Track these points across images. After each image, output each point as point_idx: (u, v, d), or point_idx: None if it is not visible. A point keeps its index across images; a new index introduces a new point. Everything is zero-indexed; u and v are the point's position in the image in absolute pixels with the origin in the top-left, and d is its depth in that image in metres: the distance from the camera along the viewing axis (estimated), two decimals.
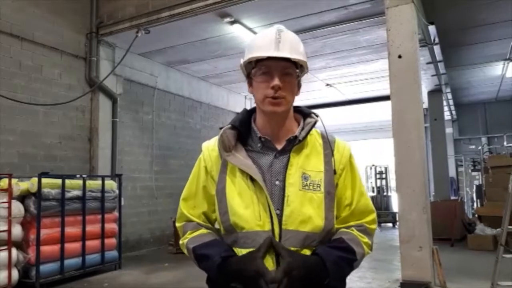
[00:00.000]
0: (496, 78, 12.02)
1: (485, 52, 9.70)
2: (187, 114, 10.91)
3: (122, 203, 7.43)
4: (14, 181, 5.65)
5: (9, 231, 5.40)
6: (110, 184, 7.18)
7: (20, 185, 5.74)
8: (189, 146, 10.68)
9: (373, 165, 15.56)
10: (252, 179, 1.34)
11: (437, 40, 7.97)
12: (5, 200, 5.45)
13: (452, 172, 14.38)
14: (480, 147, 13.02)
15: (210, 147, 1.48)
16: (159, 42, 8.46)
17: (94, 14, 8.20)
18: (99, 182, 6.92)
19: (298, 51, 1.38)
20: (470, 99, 14.78)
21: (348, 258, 1.32)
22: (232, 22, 7.40)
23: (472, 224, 9.16)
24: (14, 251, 5.49)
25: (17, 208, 5.61)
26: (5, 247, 5.36)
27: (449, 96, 12.61)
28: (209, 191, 1.44)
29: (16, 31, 6.92)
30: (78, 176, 6.69)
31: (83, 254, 6.35)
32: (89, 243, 6.45)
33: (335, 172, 1.39)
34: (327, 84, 12.03)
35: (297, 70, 1.39)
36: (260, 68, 1.37)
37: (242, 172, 1.35)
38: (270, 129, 1.41)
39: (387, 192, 14.97)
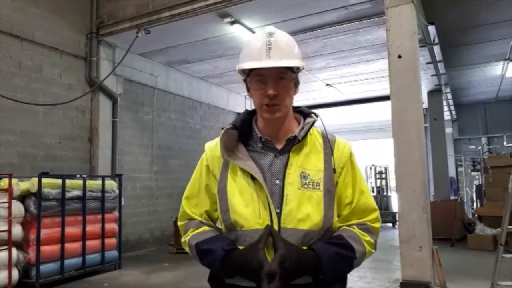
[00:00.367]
0: (496, 78, 12.02)
1: (485, 52, 9.70)
2: (187, 114, 10.91)
3: (122, 203, 7.44)
4: (14, 181, 5.65)
5: (9, 231, 5.40)
6: (110, 184, 7.18)
7: (20, 185, 5.74)
8: (189, 146, 10.69)
9: (373, 165, 15.56)
10: (252, 178, 1.35)
11: (437, 40, 7.97)
12: (5, 200, 5.45)
13: (452, 172, 14.39)
14: (480, 147, 13.01)
15: (213, 147, 1.50)
16: (160, 42, 8.46)
17: (94, 14, 8.20)
18: (99, 182, 6.92)
19: (291, 54, 1.38)
20: (470, 99, 14.78)
21: (345, 255, 1.31)
22: (233, 22, 7.40)
23: (472, 224, 9.16)
24: (14, 251, 5.49)
25: (17, 208, 5.61)
26: (5, 247, 5.36)
27: (449, 96, 12.61)
28: (211, 190, 1.45)
29: (16, 31, 6.92)
30: (78, 176, 6.69)
31: (83, 254, 6.35)
32: (89, 243, 6.45)
33: (334, 171, 1.40)
34: (327, 84, 12.03)
35: (292, 73, 1.39)
36: (254, 77, 1.38)
37: (243, 171, 1.37)
38: (270, 130, 1.43)
39: (387, 192, 14.97)
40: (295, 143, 1.40)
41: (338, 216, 1.41)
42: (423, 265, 4.92)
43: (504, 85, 12.71)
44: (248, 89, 1.45)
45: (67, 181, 6.23)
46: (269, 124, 1.42)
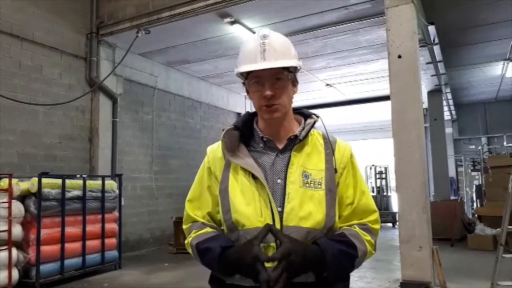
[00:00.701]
0: (496, 78, 12.02)
1: (485, 52, 9.70)
2: (187, 114, 10.91)
3: (122, 203, 7.44)
4: (14, 181, 5.65)
5: (9, 231, 5.40)
6: (110, 184, 7.18)
7: (20, 185, 5.74)
8: (189, 146, 10.69)
9: (373, 165, 15.56)
10: (254, 177, 1.36)
11: (437, 40, 7.97)
12: (5, 200, 5.45)
13: (452, 172, 14.38)
14: (480, 147, 13.01)
15: (214, 149, 1.51)
16: (160, 42, 8.46)
17: (94, 14, 8.20)
18: (99, 182, 6.92)
19: (286, 55, 1.39)
20: (470, 99, 14.78)
21: (349, 253, 1.31)
22: (233, 22, 7.40)
23: (472, 224, 9.16)
24: (14, 251, 5.49)
25: (17, 208, 5.61)
26: (5, 247, 5.36)
27: (449, 96, 12.61)
28: (213, 192, 1.46)
29: (16, 31, 6.92)
30: (78, 176, 6.69)
31: (83, 254, 6.35)
32: (89, 243, 6.45)
33: (336, 171, 1.41)
34: (327, 84, 12.03)
35: (289, 73, 1.40)
36: (251, 79, 1.40)
37: (245, 170, 1.38)
38: (271, 130, 1.44)
39: (387, 192, 14.97)
40: (296, 142, 1.41)
41: (339, 217, 1.41)
42: (423, 265, 4.92)
43: (504, 85, 12.71)
44: (247, 92, 1.46)
45: (67, 181, 6.23)
46: (270, 125, 1.43)
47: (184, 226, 1.51)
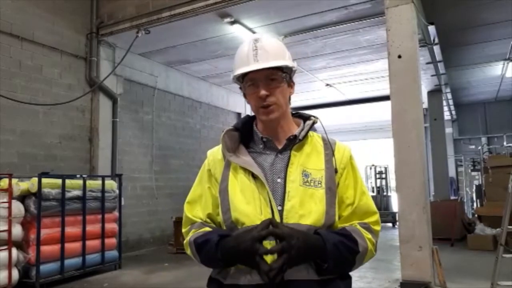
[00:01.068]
0: (496, 78, 12.03)
1: (485, 52, 9.70)
2: (187, 114, 10.91)
3: (122, 203, 7.44)
4: (14, 181, 5.65)
5: (9, 231, 5.40)
6: (110, 184, 7.18)
7: (20, 185, 5.74)
8: (189, 146, 10.69)
9: (373, 165, 15.56)
10: (254, 177, 1.37)
11: (437, 40, 7.97)
12: (5, 200, 5.45)
13: (452, 172, 14.39)
14: (480, 147, 13.02)
15: (214, 151, 1.53)
16: (159, 42, 8.46)
17: (94, 14, 8.20)
18: (99, 182, 6.92)
19: (278, 56, 1.41)
20: (470, 99, 14.78)
21: (349, 246, 1.31)
22: (232, 22, 7.40)
23: (472, 224, 9.16)
24: (14, 251, 5.49)
25: (17, 208, 5.61)
26: (5, 247, 5.36)
27: (449, 96, 12.61)
28: (213, 193, 1.46)
29: (16, 31, 6.92)
30: (78, 176, 6.69)
31: (83, 254, 6.35)
32: (89, 243, 6.45)
33: (336, 171, 1.42)
34: (327, 84, 12.03)
35: (283, 73, 1.42)
36: (247, 82, 1.42)
37: (244, 170, 1.39)
38: (270, 132, 1.45)
39: (387, 192, 14.97)
40: (295, 142, 1.42)
41: (339, 217, 1.41)
42: (423, 265, 4.92)
43: (504, 85, 12.72)
44: (245, 96, 1.48)
45: (67, 181, 6.23)
46: (268, 126, 1.45)
47: (183, 229, 1.50)
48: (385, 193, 14.85)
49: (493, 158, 9.98)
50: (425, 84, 10.84)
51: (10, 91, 6.72)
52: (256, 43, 1.41)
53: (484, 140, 15.00)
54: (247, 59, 1.40)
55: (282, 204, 1.33)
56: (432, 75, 10.19)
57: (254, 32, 7.84)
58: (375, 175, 15.35)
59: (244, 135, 1.47)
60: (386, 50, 5.43)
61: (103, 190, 6.80)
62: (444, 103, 12.53)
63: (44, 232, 5.77)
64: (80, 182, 6.48)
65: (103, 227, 6.74)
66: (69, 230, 6.16)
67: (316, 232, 1.30)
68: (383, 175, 15.21)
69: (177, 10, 7.24)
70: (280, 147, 1.43)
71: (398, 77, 5.26)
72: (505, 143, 13.02)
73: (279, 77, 1.40)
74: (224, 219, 1.38)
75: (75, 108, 7.86)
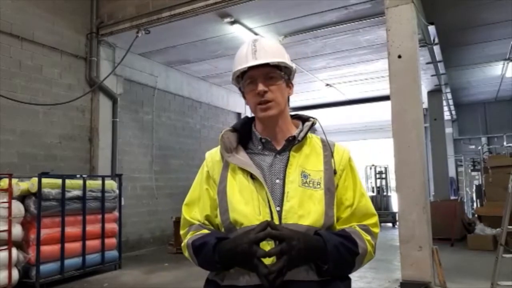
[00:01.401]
0: (496, 78, 12.03)
1: (485, 52, 9.70)
2: (187, 114, 10.91)
3: (122, 203, 7.43)
4: (14, 181, 5.65)
5: (9, 231, 5.40)
6: (110, 184, 7.18)
7: (20, 185, 5.74)
8: (189, 146, 10.69)
9: (373, 165, 15.56)
10: (252, 177, 1.36)
11: (437, 40, 7.97)
12: (5, 200, 5.45)
13: (452, 172, 14.39)
14: (480, 147, 13.02)
15: (213, 153, 1.53)
16: (159, 42, 8.46)
17: (94, 14, 8.20)
18: (99, 182, 6.92)
19: (277, 55, 1.43)
20: (470, 99, 14.78)
21: (349, 248, 1.31)
22: (233, 22, 7.40)
23: (472, 224, 9.16)
24: (14, 251, 5.49)
25: (17, 208, 5.61)
26: (5, 247, 5.36)
27: (449, 96, 12.61)
28: (211, 195, 1.45)
29: (16, 31, 6.92)
30: (78, 176, 6.69)
31: (83, 254, 6.35)
32: (89, 243, 6.45)
33: (335, 172, 1.41)
34: (327, 84, 12.03)
35: (282, 72, 1.43)
36: (246, 80, 1.44)
37: (243, 171, 1.39)
38: (268, 132, 1.45)
39: (387, 192, 14.95)
40: (294, 143, 1.42)
41: (338, 219, 1.41)
42: (423, 265, 4.92)
43: (504, 85, 12.72)
44: (244, 97, 1.49)
45: (67, 181, 6.23)
46: (267, 126, 1.45)
47: (181, 231, 1.49)
48: (385, 193, 14.84)
49: (493, 158, 9.98)
50: (425, 84, 10.84)
51: (10, 91, 6.72)
52: (255, 43, 1.43)
53: (484, 140, 15.00)
54: (246, 58, 1.42)
55: (280, 204, 1.33)
56: (432, 75, 10.19)
57: (254, 32, 7.84)
58: (375, 175, 15.34)
59: (242, 136, 1.47)
60: (386, 50, 5.43)
61: (103, 190, 6.80)
62: (444, 103, 12.53)
63: (44, 232, 5.77)
64: (80, 182, 6.48)
65: (103, 227, 6.74)
66: (69, 230, 6.16)
67: (316, 233, 1.30)
68: (383, 175, 15.20)
69: (177, 10, 7.23)
70: (279, 148, 1.43)
71: (398, 77, 5.26)
72: (505, 143, 13.02)
73: (278, 75, 1.42)
74: (223, 220, 1.38)
75: (75, 108, 7.86)
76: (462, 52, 9.73)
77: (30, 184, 5.80)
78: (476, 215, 9.99)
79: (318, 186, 1.37)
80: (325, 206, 1.35)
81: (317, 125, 1.52)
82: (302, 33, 8.00)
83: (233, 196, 1.36)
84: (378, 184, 15.12)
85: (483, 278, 5.20)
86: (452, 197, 12.48)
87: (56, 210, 6.01)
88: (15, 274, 5.49)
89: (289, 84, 1.47)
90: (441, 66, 9.59)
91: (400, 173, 5.17)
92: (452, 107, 14.08)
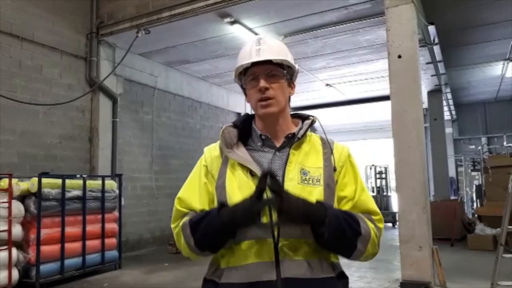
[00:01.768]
0: (496, 78, 12.03)
1: (485, 52, 9.70)
2: (187, 114, 10.91)
3: (122, 203, 7.43)
4: (14, 181, 5.64)
5: (9, 231, 5.40)
6: (110, 184, 7.18)
7: (20, 185, 5.74)
8: (189, 146, 10.69)
9: (373, 165, 15.56)
10: (252, 174, 1.37)
11: (437, 40, 7.97)
12: (5, 200, 5.45)
13: (452, 172, 14.39)
14: (480, 147, 13.02)
15: (211, 148, 1.53)
16: (159, 42, 8.46)
17: (94, 14, 8.20)
18: (99, 182, 6.92)
19: (280, 53, 1.44)
20: (470, 99, 14.79)
21: (351, 224, 1.30)
22: (233, 22, 7.40)
23: (472, 224, 9.16)
24: (14, 251, 5.49)
25: (17, 208, 5.61)
26: (5, 247, 5.36)
27: (449, 96, 12.62)
28: (210, 189, 1.45)
29: (16, 31, 6.92)
30: (78, 176, 6.69)
31: (83, 254, 6.34)
32: (89, 243, 6.45)
33: (335, 169, 1.42)
34: (327, 84, 12.03)
35: (284, 71, 1.44)
36: (248, 76, 1.44)
37: (242, 167, 1.39)
38: (268, 130, 1.46)
39: (387, 192, 14.96)
40: (294, 141, 1.42)
41: None
42: (423, 265, 4.92)
43: (504, 85, 12.72)
44: (245, 94, 1.49)
45: (67, 181, 6.22)
46: (267, 123, 1.45)
47: (172, 225, 1.44)
48: (385, 193, 14.85)
49: (493, 158, 9.98)
50: (425, 84, 10.85)
51: (10, 91, 6.72)
52: (259, 41, 1.44)
53: (484, 140, 15.00)
54: (250, 55, 1.42)
55: None
56: (432, 75, 10.19)
57: (254, 32, 7.84)
58: (375, 175, 15.34)
59: (243, 132, 1.47)
60: (386, 50, 5.43)
61: (103, 190, 6.80)
62: (444, 103, 12.53)
63: (44, 232, 5.77)
64: (80, 182, 6.48)
65: (103, 227, 6.74)
66: (69, 230, 6.16)
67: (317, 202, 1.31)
68: (383, 175, 15.21)
69: (177, 10, 7.23)
70: (278, 145, 1.44)
71: (398, 77, 5.26)
72: (505, 143, 13.03)
73: (280, 73, 1.42)
74: None
75: (75, 108, 7.86)
76: (462, 52, 9.73)
77: (30, 184, 5.80)
78: (476, 215, 9.99)
79: (318, 183, 1.37)
80: (325, 200, 1.35)
81: (317, 125, 1.52)
82: (302, 33, 8.00)
83: (232, 191, 1.36)
84: (378, 184, 15.12)
85: (483, 278, 5.20)
86: (452, 197, 12.48)
87: (56, 210, 6.00)
88: (15, 274, 5.49)
89: (291, 84, 1.48)
90: (441, 66, 9.59)
91: (400, 173, 5.17)
92: (452, 107, 14.09)
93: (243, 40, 8.12)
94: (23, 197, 5.80)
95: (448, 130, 13.92)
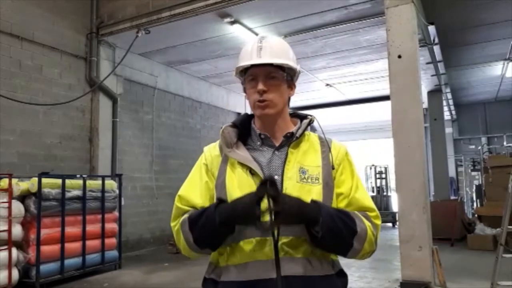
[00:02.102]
0: (495, 78, 12.03)
1: (485, 52, 9.70)
2: (187, 114, 10.92)
3: (122, 203, 7.43)
4: (14, 181, 5.64)
5: (9, 231, 5.40)
6: (110, 184, 7.18)
7: (20, 185, 5.74)
8: (189, 146, 10.69)
9: (373, 165, 15.56)
10: (251, 172, 1.37)
11: (437, 40, 7.98)
12: (5, 200, 5.45)
13: (452, 172, 14.39)
14: (480, 147, 13.02)
15: (211, 147, 1.54)
16: (159, 42, 8.46)
17: (94, 14, 8.21)
18: (99, 182, 6.92)
19: (281, 55, 1.43)
20: (470, 99, 14.79)
21: (346, 223, 1.30)
22: (232, 22, 7.40)
23: (472, 224, 9.16)
24: (14, 251, 5.49)
25: (17, 208, 5.61)
26: (5, 247, 5.36)
27: (449, 96, 12.62)
28: (211, 188, 1.46)
29: (16, 31, 6.92)
30: (78, 176, 6.69)
31: (83, 254, 6.34)
32: (89, 243, 6.45)
33: (333, 167, 1.43)
34: (327, 84, 12.03)
35: (284, 73, 1.43)
36: (248, 76, 1.45)
37: (242, 165, 1.40)
38: (267, 129, 1.47)
39: (387, 192, 14.96)
40: (293, 140, 1.43)
41: None
42: (423, 265, 4.93)
43: (504, 85, 12.72)
44: (245, 91, 1.50)
45: (67, 181, 6.23)
46: (265, 123, 1.46)
47: (172, 223, 1.44)
48: (385, 193, 14.84)
49: (493, 158, 9.98)
50: (425, 84, 10.85)
51: (10, 91, 6.72)
52: (262, 40, 1.44)
53: (484, 140, 15.00)
54: (251, 54, 1.43)
55: None
56: (432, 75, 10.19)
57: (254, 32, 7.84)
58: (375, 175, 15.34)
59: (242, 132, 1.48)
60: (386, 50, 5.43)
61: (103, 190, 6.80)
62: (444, 103, 12.53)
63: (44, 232, 5.77)
64: (80, 182, 6.48)
65: (103, 227, 6.74)
66: (69, 230, 6.16)
67: (312, 200, 1.31)
68: (383, 175, 15.20)
69: (177, 10, 7.24)
70: (277, 144, 1.45)
71: (398, 77, 5.26)
72: (505, 143, 13.03)
73: (280, 75, 1.42)
74: None
75: (75, 108, 7.86)
76: (462, 52, 9.73)
77: (30, 184, 5.80)
78: (476, 215, 9.99)
79: (317, 181, 1.38)
80: (323, 200, 1.36)
81: (315, 125, 1.53)
82: (302, 33, 8.00)
83: (232, 189, 1.37)
84: (378, 184, 15.12)
85: (483, 278, 5.20)
86: (452, 197, 12.49)
87: (56, 210, 6.00)
88: (15, 274, 5.49)
89: (291, 85, 1.48)
90: (441, 66, 9.60)
91: (400, 173, 5.17)
92: (452, 107, 14.09)
93: (243, 40, 8.12)
94: (23, 197, 5.80)
95: (448, 130, 13.92)
